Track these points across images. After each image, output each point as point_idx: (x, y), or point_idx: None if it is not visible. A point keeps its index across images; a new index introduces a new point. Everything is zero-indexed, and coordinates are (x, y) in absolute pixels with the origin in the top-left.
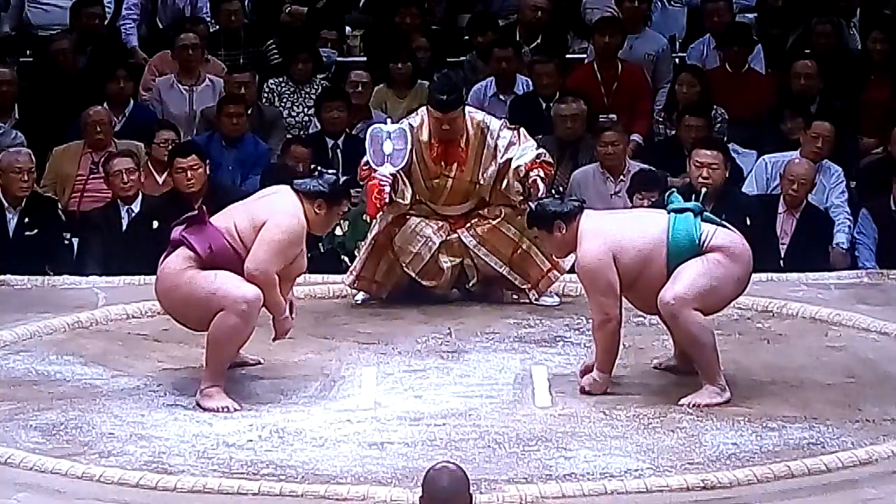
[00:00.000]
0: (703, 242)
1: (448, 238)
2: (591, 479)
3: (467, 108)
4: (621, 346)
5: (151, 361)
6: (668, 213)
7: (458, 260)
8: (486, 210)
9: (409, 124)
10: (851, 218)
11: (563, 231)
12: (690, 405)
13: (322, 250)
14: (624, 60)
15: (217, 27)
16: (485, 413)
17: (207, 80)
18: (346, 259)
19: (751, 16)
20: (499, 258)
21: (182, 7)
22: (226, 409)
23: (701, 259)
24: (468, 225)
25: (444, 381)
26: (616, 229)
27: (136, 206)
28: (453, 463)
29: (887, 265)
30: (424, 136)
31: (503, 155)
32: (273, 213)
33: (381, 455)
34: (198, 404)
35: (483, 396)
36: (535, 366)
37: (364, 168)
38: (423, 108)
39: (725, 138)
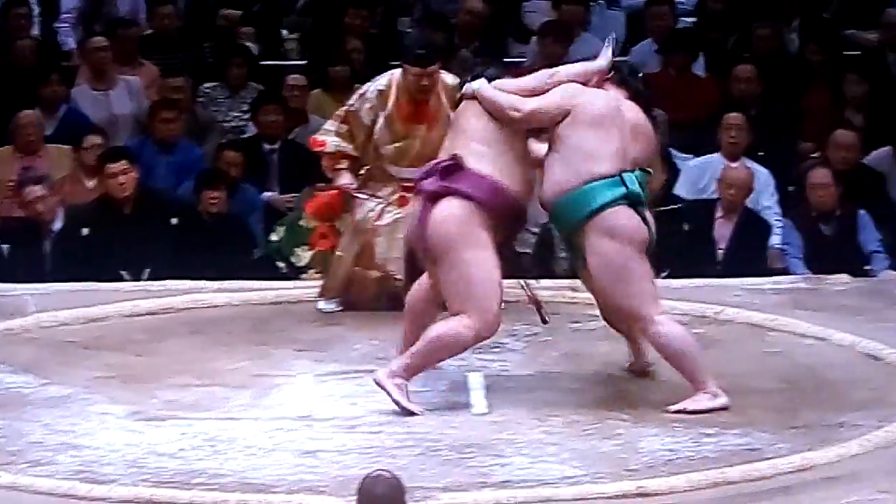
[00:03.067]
0: (595, 213)
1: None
2: (527, 487)
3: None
4: (555, 352)
5: (83, 369)
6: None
7: None
8: None
9: (377, 89)
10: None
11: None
12: (676, 412)
13: (256, 256)
14: None
15: (151, 31)
16: (420, 420)
17: (123, 82)
18: (283, 265)
19: (690, 20)
20: None
21: (120, 10)
22: (410, 412)
23: (603, 264)
24: None
25: (379, 388)
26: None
27: (58, 223)
28: (388, 471)
29: (818, 272)
30: (393, 97)
31: None
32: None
33: (315, 463)
34: (379, 383)
35: (419, 403)
36: (471, 372)
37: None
38: (390, 72)
39: (665, 142)
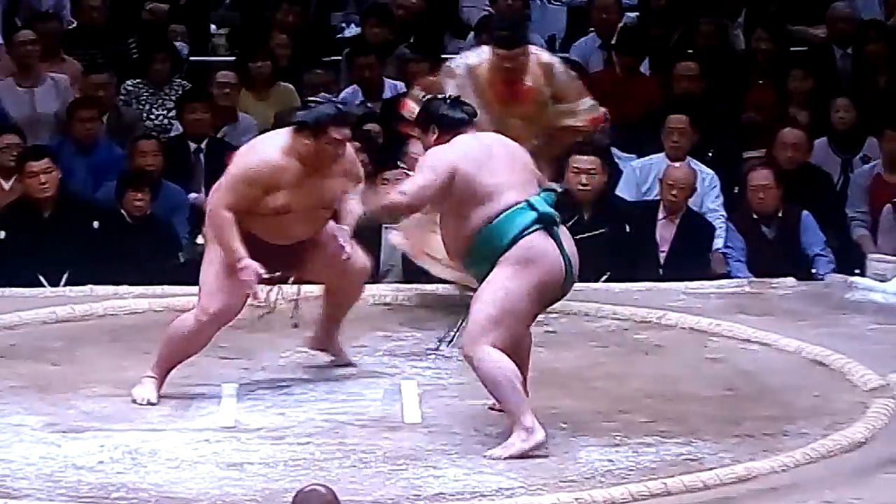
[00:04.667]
0: (510, 245)
1: None
2: (461, 499)
3: (532, 48)
4: None
5: None
6: (525, 205)
7: None
8: None
9: (467, 64)
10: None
11: (435, 137)
12: (496, 458)
13: (182, 260)
14: None
15: (75, 24)
16: (351, 430)
17: (49, 79)
18: None
19: (633, 15)
20: None
21: (45, 4)
22: (145, 401)
23: (489, 280)
24: None
25: (309, 398)
26: (473, 158)
27: None
28: (322, 485)
29: (760, 275)
30: (485, 76)
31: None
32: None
33: (240, 476)
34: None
35: (349, 413)
36: (404, 380)
37: None
38: (480, 48)
39: (609, 141)
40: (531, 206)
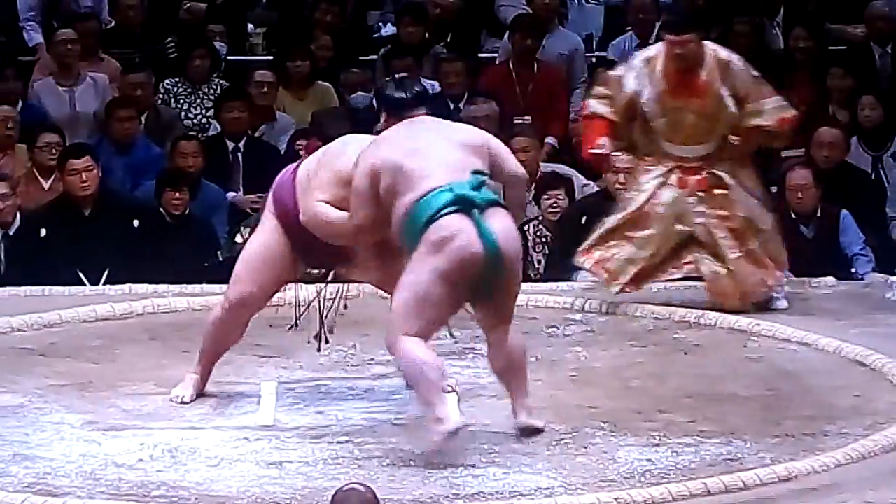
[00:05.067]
0: (424, 227)
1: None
2: (500, 499)
3: (710, 44)
4: (529, 358)
5: (36, 377)
6: (446, 188)
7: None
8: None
9: (643, 57)
10: None
11: (385, 120)
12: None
13: (221, 258)
14: (540, 60)
15: (112, 24)
16: (390, 430)
17: (89, 78)
18: None
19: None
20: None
21: (83, 4)
22: (178, 399)
23: (405, 268)
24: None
25: (348, 396)
26: (396, 152)
27: (16, 224)
28: (362, 483)
29: (799, 274)
30: (660, 67)
31: (747, 104)
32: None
33: (279, 475)
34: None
35: (388, 412)
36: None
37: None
38: (658, 43)
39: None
40: (451, 189)
